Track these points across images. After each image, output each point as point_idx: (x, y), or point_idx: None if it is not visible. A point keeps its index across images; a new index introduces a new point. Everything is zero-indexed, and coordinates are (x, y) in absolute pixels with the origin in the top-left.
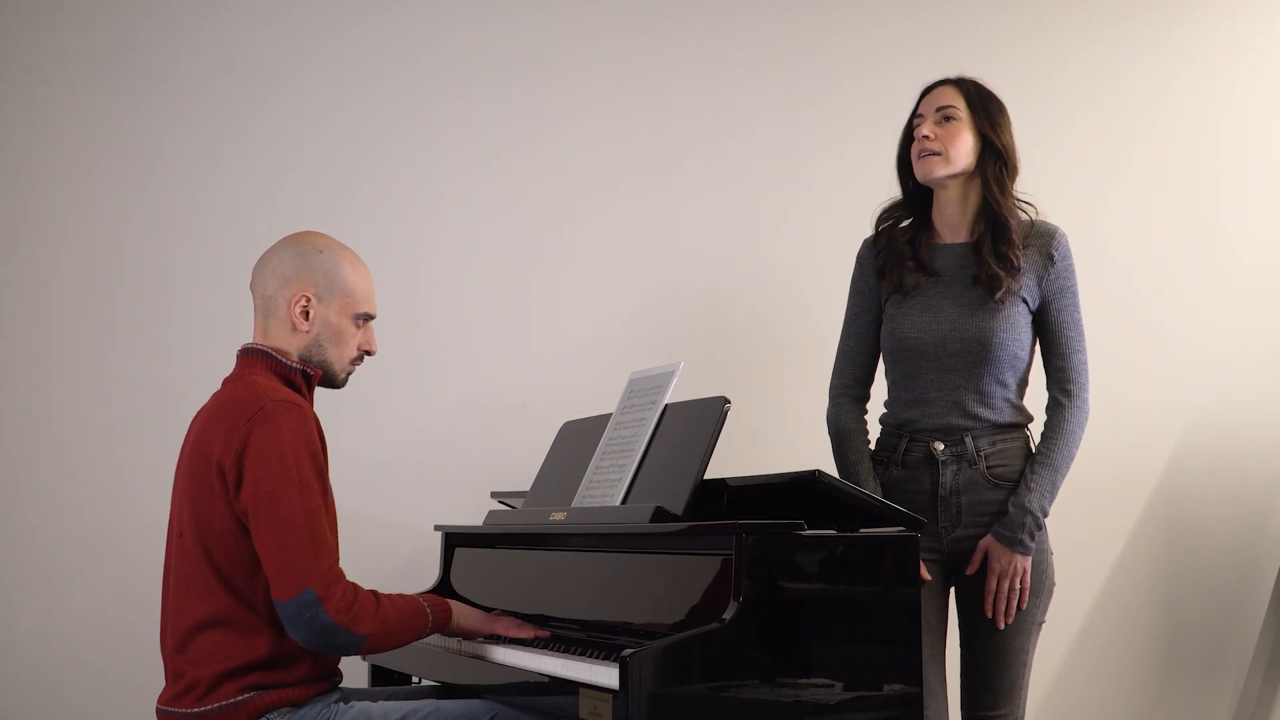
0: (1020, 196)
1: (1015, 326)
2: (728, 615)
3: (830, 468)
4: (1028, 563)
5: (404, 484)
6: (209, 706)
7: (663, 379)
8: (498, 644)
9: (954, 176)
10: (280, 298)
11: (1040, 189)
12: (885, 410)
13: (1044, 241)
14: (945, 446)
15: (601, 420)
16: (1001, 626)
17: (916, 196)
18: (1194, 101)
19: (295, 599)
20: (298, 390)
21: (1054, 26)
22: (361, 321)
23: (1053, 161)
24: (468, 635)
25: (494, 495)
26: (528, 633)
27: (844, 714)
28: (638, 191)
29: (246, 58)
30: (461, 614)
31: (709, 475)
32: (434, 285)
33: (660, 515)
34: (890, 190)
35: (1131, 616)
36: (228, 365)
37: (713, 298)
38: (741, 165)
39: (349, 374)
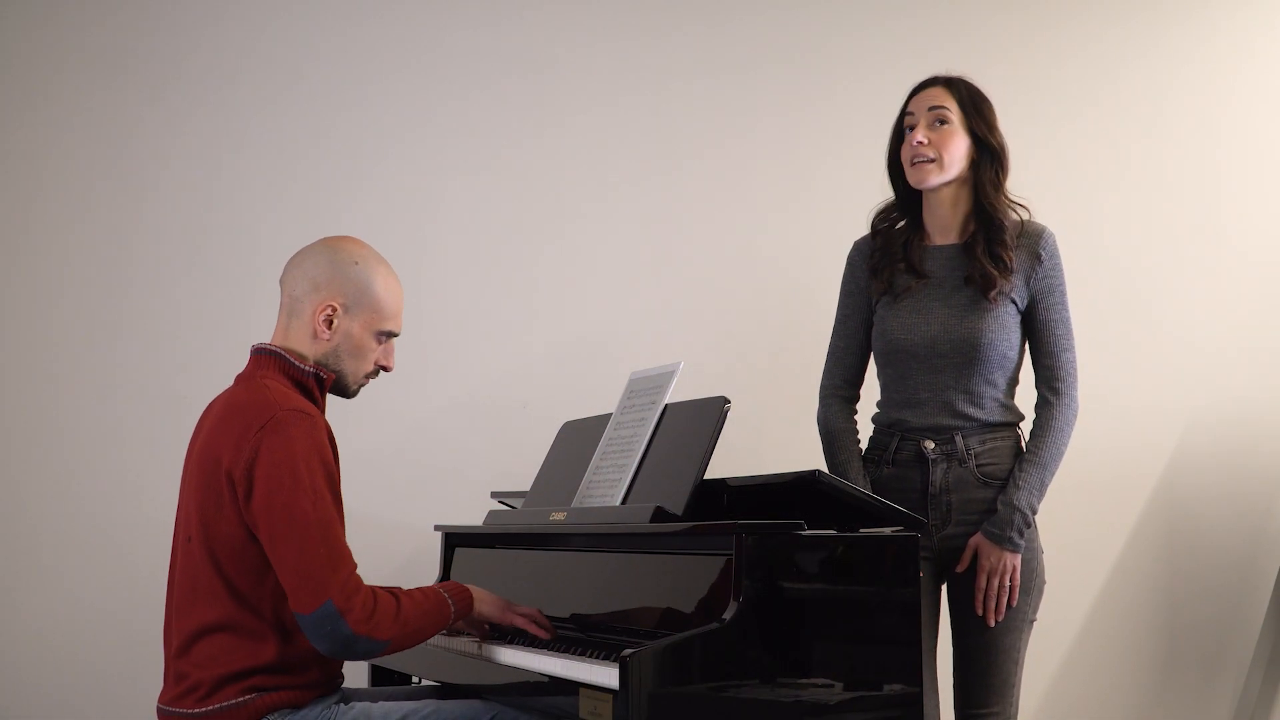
0: (1013, 196)
1: (1004, 327)
2: (728, 615)
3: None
4: (1017, 560)
5: (404, 484)
6: (210, 708)
7: (663, 379)
8: (498, 643)
9: (947, 183)
10: (307, 302)
11: (1040, 189)
12: (877, 410)
13: (1031, 241)
14: (935, 445)
15: (601, 420)
16: (992, 624)
17: (909, 197)
18: (1194, 101)
19: (315, 612)
20: (309, 394)
21: (1054, 26)
22: (384, 338)
23: (1053, 162)
24: (486, 621)
25: (494, 495)
26: (542, 632)
27: (844, 714)
28: (638, 191)
29: (248, 58)
30: (482, 600)
31: (709, 475)
32: (434, 285)
33: (660, 515)
34: (889, 190)
35: (1131, 616)
36: (229, 365)
37: (713, 298)
38: (741, 165)
39: (361, 387)
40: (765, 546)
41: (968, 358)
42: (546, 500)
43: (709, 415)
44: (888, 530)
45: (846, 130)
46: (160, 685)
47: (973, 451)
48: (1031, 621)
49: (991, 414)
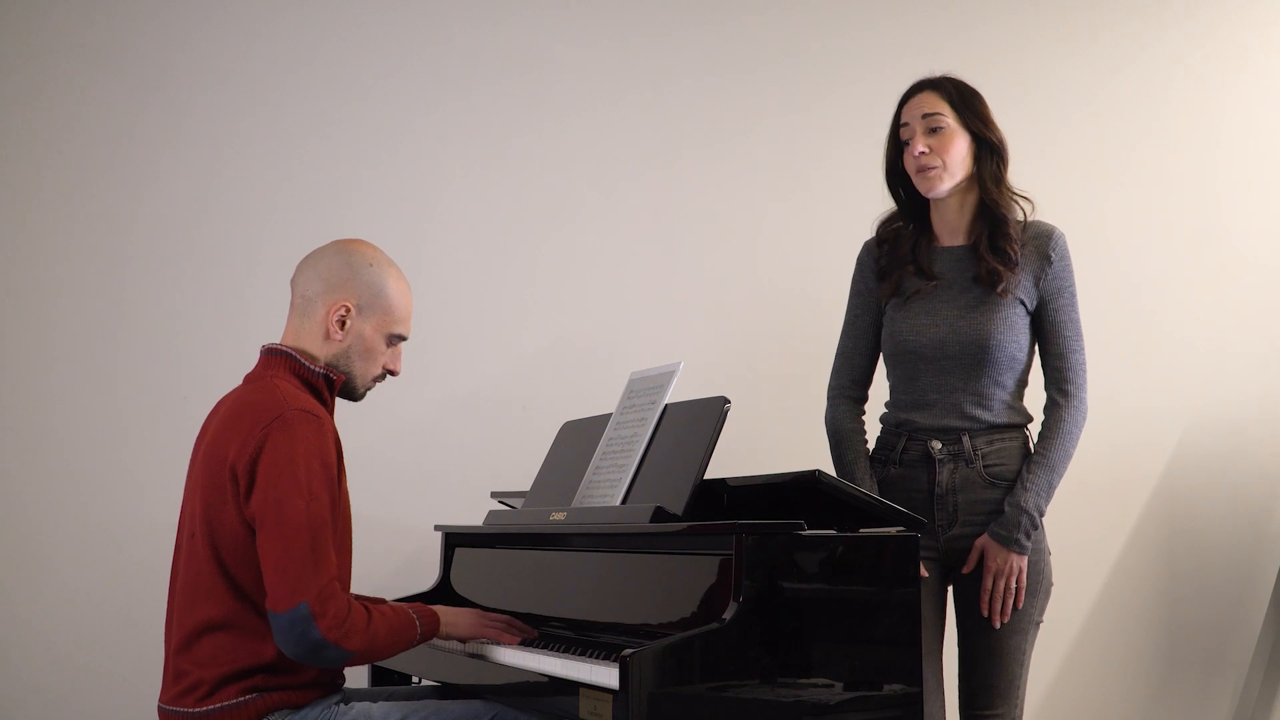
0: (1017, 191)
1: (1013, 328)
2: (728, 615)
3: (830, 467)
4: (1024, 562)
5: (404, 484)
6: (210, 707)
7: (663, 379)
8: (498, 644)
9: (956, 186)
10: (320, 302)
11: (1041, 189)
12: (885, 410)
13: (1040, 242)
14: (942, 445)
15: (601, 420)
16: (998, 625)
17: (912, 203)
18: (1194, 101)
19: (289, 611)
20: (319, 395)
21: (1054, 26)
22: (394, 341)
23: (1053, 162)
24: (463, 640)
25: (494, 495)
26: (512, 637)
27: (844, 714)
28: (637, 191)
29: (247, 58)
30: (451, 623)
31: (709, 475)
32: (434, 285)
33: (660, 515)
34: (889, 191)
35: (1131, 616)
36: (230, 365)
37: (713, 298)
38: (741, 165)
39: (369, 389)
40: (765, 546)
41: (976, 359)
42: (546, 500)
43: (709, 415)
44: (888, 530)
45: (846, 130)
46: (160, 684)
47: (980, 452)
48: (1037, 623)
49: (1000, 415)
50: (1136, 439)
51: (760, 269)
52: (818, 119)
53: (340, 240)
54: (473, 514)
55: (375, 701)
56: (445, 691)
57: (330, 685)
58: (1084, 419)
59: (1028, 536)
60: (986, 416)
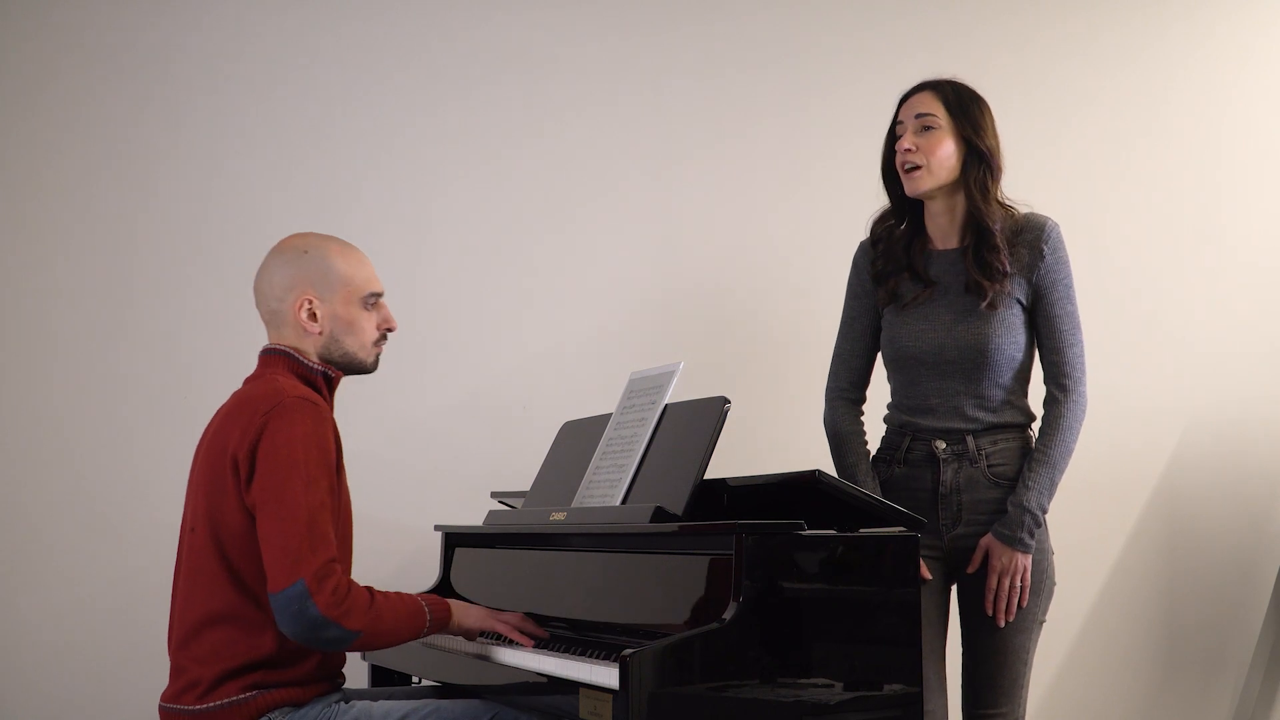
0: (1009, 201)
1: (1011, 329)
2: (728, 615)
3: (830, 468)
4: (1028, 561)
5: (404, 484)
6: (211, 704)
7: (663, 379)
8: (498, 644)
9: (939, 188)
10: (284, 307)
11: (1041, 189)
12: (888, 411)
13: (1034, 236)
14: (947, 445)
15: (601, 420)
16: (1002, 624)
17: (903, 203)
18: (1194, 101)
19: (286, 590)
20: (318, 390)
21: (1054, 26)
22: (372, 302)
23: (1053, 161)
24: (470, 635)
25: (494, 495)
26: (525, 639)
27: (844, 714)
28: (637, 191)
29: (247, 58)
30: (462, 614)
31: (709, 475)
32: (434, 285)
33: (660, 515)
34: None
35: (1131, 616)
36: (232, 365)
37: (713, 297)
38: (741, 165)
39: (378, 355)
40: (765, 546)
41: (976, 363)
42: (546, 500)
43: (709, 415)
44: (888, 530)
45: (846, 130)
46: (163, 682)
47: (984, 452)
48: (1041, 623)
49: (1003, 415)
50: (1136, 439)
51: (760, 269)
52: (818, 118)
53: (273, 247)
54: (473, 514)
55: (375, 700)
56: (445, 691)
57: (330, 681)
58: (1084, 413)
59: (1031, 535)
60: (989, 417)
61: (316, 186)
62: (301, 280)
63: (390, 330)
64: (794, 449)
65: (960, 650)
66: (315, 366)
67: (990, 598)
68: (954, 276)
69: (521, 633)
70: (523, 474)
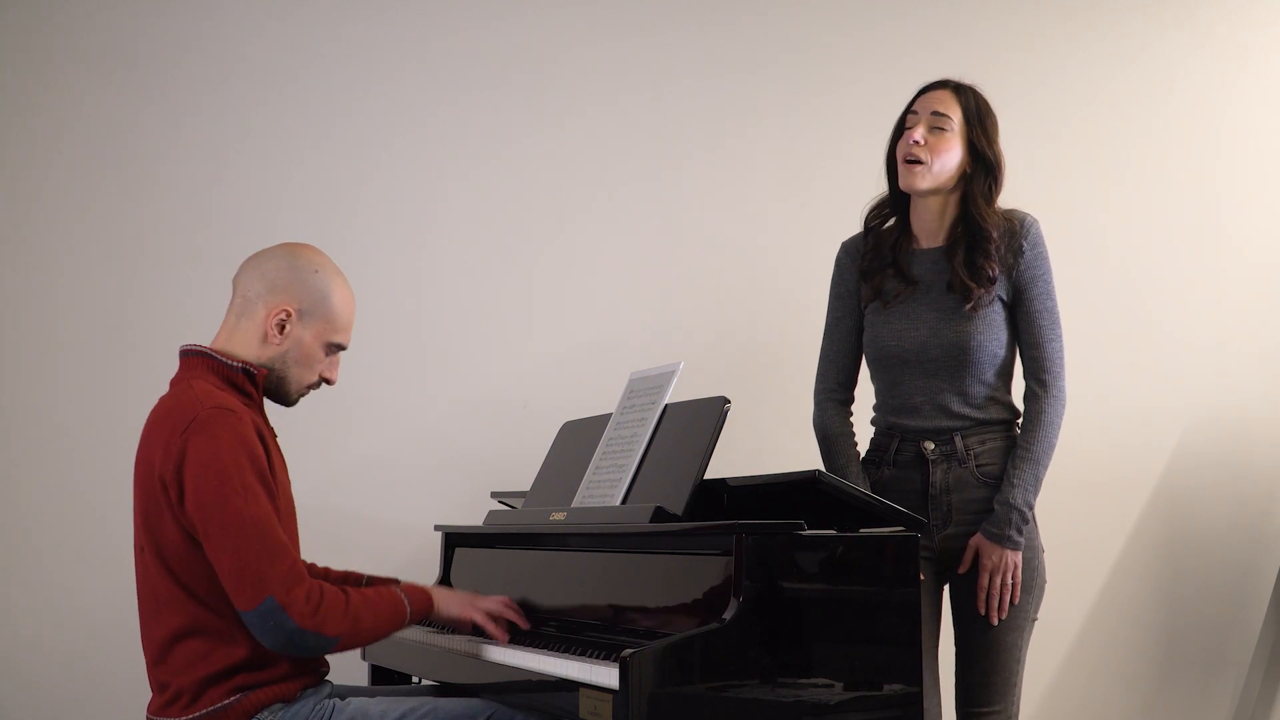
0: (1004, 210)
1: (992, 327)
2: (728, 615)
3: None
4: (1018, 558)
5: (404, 484)
6: (198, 713)
7: (663, 379)
8: (497, 643)
9: (934, 190)
10: (261, 304)
11: (1041, 189)
12: (875, 413)
13: (1013, 232)
14: (935, 446)
15: (601, 420)
16: (995, 622)
17: (900, 194)
18: (1194, 101)
19: (257, 608)
20: (240, 389)
21: (1054, 26)
22: (333, 350)
23: (1053, 161)
24: (459, 624)
25: (494, 495)
26: (500, 632)
27: (844, 714)
28: (638, 191)
29: (248, 59)
30: (444, 601)
31: (709, 475)
32: (434, 285)
33: (660, 515)
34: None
35: (1131, 616)
36: None
37: (713, 298)
38: (741, 165)
39: (301, 396)
40: (765, 546)
41: (958, 361)
42: (546, 500)
43: (709, 415)
44: (888, 530)
45: (846, 130)
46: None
47: (972, 452)
48: (1033, 620)
49: (988, 411)
50: (1136, 439)
51: (760, 269)
52: (818, 118)
53: (288, 243)
54: (473, 514)
55: (373, 699)
56: (444, 691)
57: (313, 673)
58: (1064, 408)
59: (1019, 532)
60: (975, 414)
61: (318, 187)
62: (294, 291)
63: (328, 383)
64: (794, 449)
65: (954, 649)
66: (236, 365)
67: (982, 596)
68: (936, 275)
69: (503, 621)
70: (523, 474)
